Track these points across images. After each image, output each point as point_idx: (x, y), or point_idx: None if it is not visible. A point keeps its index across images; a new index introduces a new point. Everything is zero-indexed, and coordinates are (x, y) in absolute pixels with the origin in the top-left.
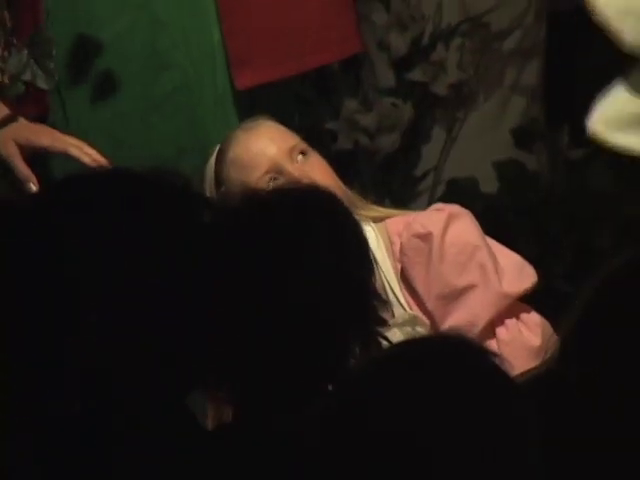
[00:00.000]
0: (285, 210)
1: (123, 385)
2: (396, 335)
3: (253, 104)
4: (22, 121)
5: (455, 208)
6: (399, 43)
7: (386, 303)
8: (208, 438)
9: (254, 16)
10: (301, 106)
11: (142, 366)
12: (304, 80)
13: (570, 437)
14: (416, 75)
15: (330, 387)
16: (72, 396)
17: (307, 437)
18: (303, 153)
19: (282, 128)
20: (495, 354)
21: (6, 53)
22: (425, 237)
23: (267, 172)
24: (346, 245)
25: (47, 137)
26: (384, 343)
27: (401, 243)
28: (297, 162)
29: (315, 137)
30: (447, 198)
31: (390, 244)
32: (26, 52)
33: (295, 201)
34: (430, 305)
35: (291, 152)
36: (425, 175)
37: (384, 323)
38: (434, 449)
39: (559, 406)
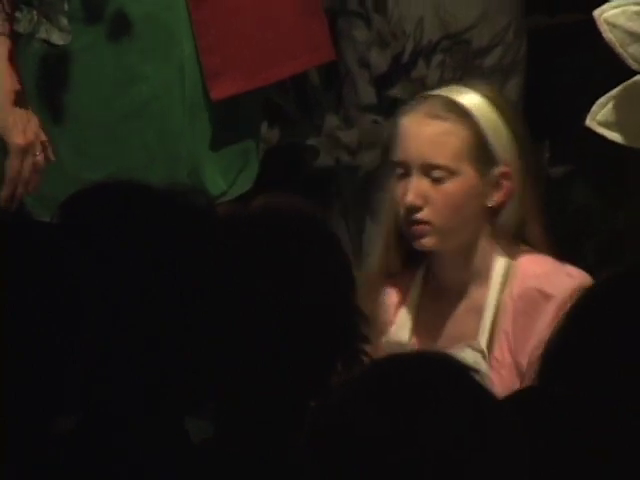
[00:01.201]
0: (269, 228)
1: (118, 400)
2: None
3: (222, 116)
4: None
5: (586, 279)
6: (380, 60)
7: (368, 320)
8: (194, 453)
9: (228, 28)
10: (282, 122)
11: (138, 383)
12: (286, 96)
13: (555, 453)
14: (397, 92)
15: (312, 403)
16: (69, 412)
17: (290, 453)
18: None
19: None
20: (478, 372)
21: (17, 13)
22: (546, 297)
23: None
24: (328, 262)
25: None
26: (366, 359)
27: (524, 288)
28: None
29: (296, 153)
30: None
31: (514, 281)
32: (35, 12)
33: (278, 220)
34: (516, 354)
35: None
36: None
37: (366, 340)
38: (416, 468)
39: (543, 422)
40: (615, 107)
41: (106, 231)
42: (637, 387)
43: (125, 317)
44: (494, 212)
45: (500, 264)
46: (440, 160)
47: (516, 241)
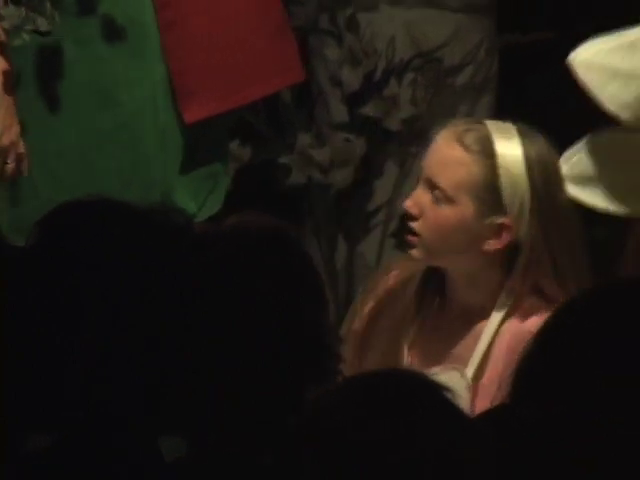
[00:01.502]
0: (241, 247)
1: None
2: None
3: (191, 140)
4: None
5: None
6: (352, 78)
7: (340, 340)
8: (167, 472)
9: (199, 51)
10: (255, 141)
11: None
12: (258, 115)
13: (525, 471)
14: (369, 110)
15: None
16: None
17: (263, 471)
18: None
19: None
20: (449, 390)
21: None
22: None
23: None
24: (300, 281)
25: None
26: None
27: (520, 329)
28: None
29: (269, 171)
30: (400, 233)
31: (514, 321)
32: (23, 8)
33: (251, 238)
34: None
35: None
36: (378, 210)
37: (340, 358)
38: None
39: (513, 441)
40: (582, 161)
41: (83, 249)
42: (605, 405)
43: (102, 332)
44: (508, 253)
45: (504, 303)
46: (442, 182)
47: (532, 287)
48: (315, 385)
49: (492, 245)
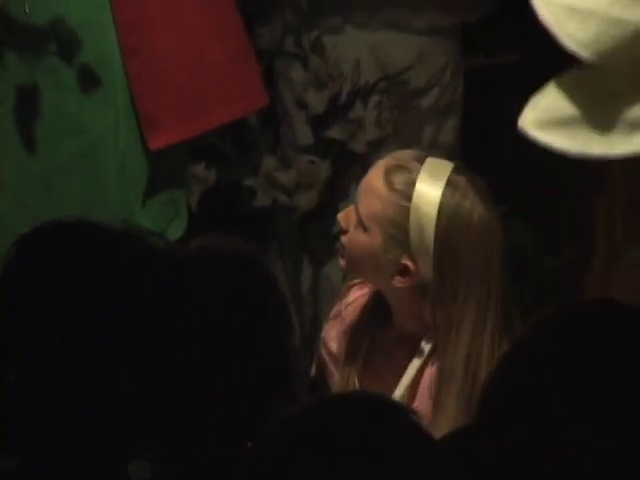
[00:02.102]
0: (205, 269)
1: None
2: None
3: (152, 167)
4: None
5: None
6: (317, 101)
7: (304, 360)
8: None
9: (163, 78)
10: (220, 163)
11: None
12: (223, 137)
13: None
14: (334, 133)
15: (249, 444)
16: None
17: None
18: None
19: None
20: (415, 412)
21: None
22: None
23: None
24: (265, 303)
25: None
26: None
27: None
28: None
29: (234, 194)
30: None
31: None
32: None
33: (215, 261)
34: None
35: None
36: None
37: (304, 380)
38: None
39: (480, 461)
40: (551, 105)
41: (59, 268)
42: (570, 427)
43: (79, 351)
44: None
45: (429, 339)
46: (360, 209)
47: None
48: (279, 407)
49: (398, 283)
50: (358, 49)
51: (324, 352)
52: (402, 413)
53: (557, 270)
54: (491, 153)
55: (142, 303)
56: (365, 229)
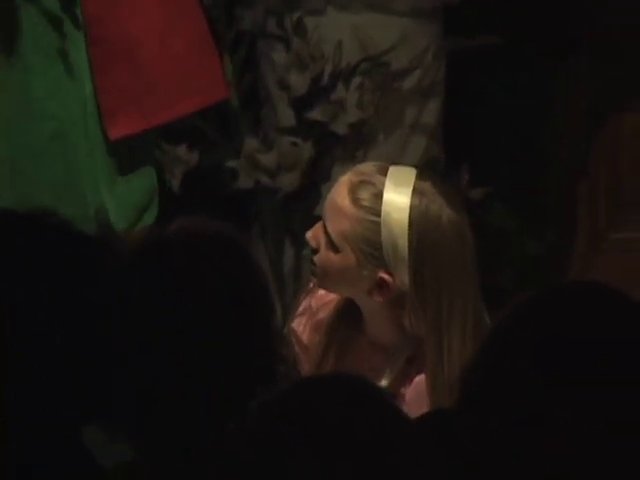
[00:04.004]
0: (185, 250)
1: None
2: None
3: (124, 155)
4: None
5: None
6: (299, 82)
7: (287, 342)
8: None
9: (124, 68)
10: (202, 145)
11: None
12: (205, 119)
13: (471, 474)
14: (316, 114)
15: (230, 426)
16: None
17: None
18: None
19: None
20: (391, 394)
21: None
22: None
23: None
24: (245, 284)
25: None
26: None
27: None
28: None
29: (216, 175)
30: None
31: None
32: None
33: (195, 242)
34: None
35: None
36: None
37: (286, 362)
38: None
39: (459, 443)
40: None
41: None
42: (550, 407)
43: (42, 338)
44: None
45: (404, 352)
46: (329, 228)
47: None
48: (261, 388)
49: (377, 297)
50: (340, 30)
51: (294, 342)
52: (380, 394)
53: (540, 253)
54: (473, 135)
55: (119, 287)
56: (336, 249)
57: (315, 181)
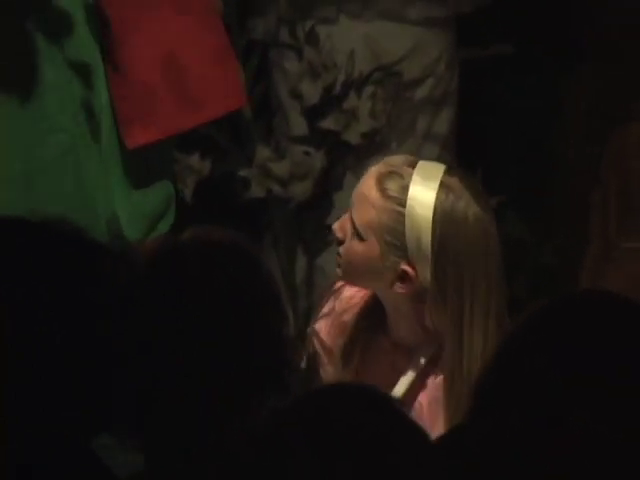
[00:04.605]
0: (197, 259)
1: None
2: None
3: (138, 164)
4: None
5: None
6: (311, 91)
7: (300, 350)
8: None
9: (141, 76)
10: (214, 154)
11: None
12: (218, 128)
13: None
14: (328, 123)
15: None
16: None
17: None
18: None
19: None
20: (403, 404)
21: None
22: None
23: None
24: (257, 293)
25: None
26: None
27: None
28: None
29: (228, 184)
30: None
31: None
32: None
33: (207, 250)
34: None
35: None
36: None
37: (297, 370)
38: None
39: (471, 455)
40: None
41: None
42: (564, 416)
43: (53, 343)
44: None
45: (429, 346)
46: (356, 218)
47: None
48: (273, 398)
49: (399, 289)
50: (352, 40)
51: (317, 344)
52: (393, 405)
53: (552, 262)
54: (485, 144)
55: (134, 296)
56: (361, 238)
57: (327, 190)
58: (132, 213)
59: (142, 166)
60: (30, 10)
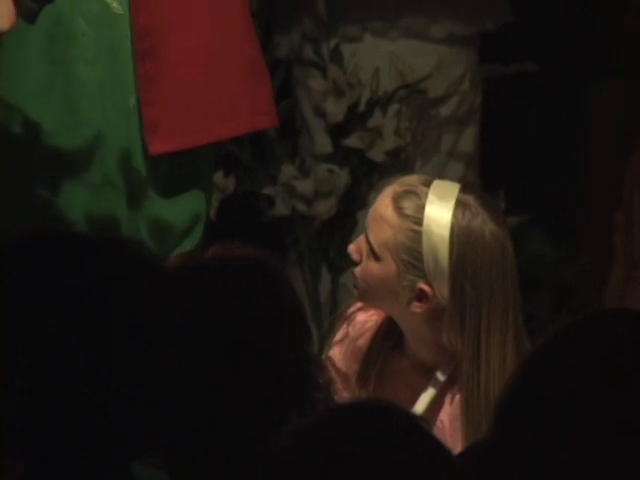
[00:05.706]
0: (222, 276)
1: (61, 451)
2: None
3: (158, 173)
4: None
5: None
6: (336, 109)
7: (323, 368)
8: None
9: (171, 84)
10: (238, 171)
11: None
12: (242, 145)
13: None
14: (353, 141)
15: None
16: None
17: None
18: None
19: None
20: (426, 420)
21: None
22: None
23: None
24: (282, 311)
25: None
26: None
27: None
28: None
29: (252, 203)
30: None
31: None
32: None
33: (232, 268)
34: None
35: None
36: None
37: (321, 388)
38: None
39: (494, 473)
40: None
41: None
42: (588, 437)
43: (75, 361)
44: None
45: (448, 365)
46: (371, 238)
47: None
48: (297, 415)
49: (416, 308)
50: (377, 58)
51: (332, 370)
52: (416, 422)
53: (576, 281)
54: (510, 162)
55: (159, 310)
56: (377, 258)
57: (352, 208)
58: (155, 224)
59: (175, 178)
60: (67, 6)
